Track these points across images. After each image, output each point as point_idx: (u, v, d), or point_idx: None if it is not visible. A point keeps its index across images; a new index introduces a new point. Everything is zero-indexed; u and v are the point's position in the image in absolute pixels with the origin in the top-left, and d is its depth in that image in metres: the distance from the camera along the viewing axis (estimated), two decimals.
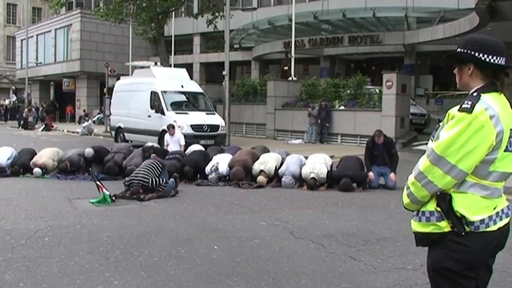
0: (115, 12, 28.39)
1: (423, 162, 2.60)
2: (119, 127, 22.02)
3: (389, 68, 33.23)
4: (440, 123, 2.70)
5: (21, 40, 50.63)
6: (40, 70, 48.06)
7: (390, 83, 20.14)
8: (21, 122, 37.81)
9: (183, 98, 20.49)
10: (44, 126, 35.21)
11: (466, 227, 2.54)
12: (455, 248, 2.57)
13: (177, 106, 19.60)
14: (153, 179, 9.63)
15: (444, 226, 2.58)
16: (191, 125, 18.27)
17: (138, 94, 20.69)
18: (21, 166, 12.27)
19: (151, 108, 19.69)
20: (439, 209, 2.59)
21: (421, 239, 2.71)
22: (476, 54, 2.62)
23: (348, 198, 10.01)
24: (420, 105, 28.20)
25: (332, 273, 5.31)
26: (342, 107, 22.54)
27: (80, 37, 43.13)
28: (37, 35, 48.91)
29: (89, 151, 12.10)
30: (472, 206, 2.55)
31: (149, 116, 19.71)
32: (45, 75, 48.12)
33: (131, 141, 19.93)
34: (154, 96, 19.72)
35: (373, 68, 39.06)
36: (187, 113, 19.19)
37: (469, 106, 2.50)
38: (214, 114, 20.13)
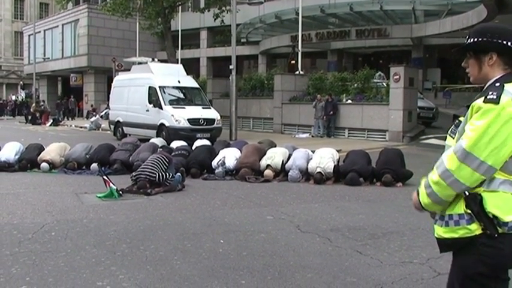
0: (121, 7, 28.42)
1: (449, 160, 2.44)
2: (118, 121, 22.74)
3: (396, 61, 33.10)
4: (459, 119, 2.57)
5: (29, 35, 50.79)
6: (47, 65, 48.21)
7: (398, 77, 20.05)
8: (29, 117, 37.99)
9: (180, 92, 21.04)
10: (52, 121, 35.32)
11: (498, 228, 2.40)
12: (488, 253, 2.42)
13: (174, 101, 20.26)
14: (160, 174, 9.64)
15: (475, 229, 2.43)
16: (188, 119, 18.85)
17: (137, 89, 21.34)
18: (28, 161, 12.31)
19: (149, 102, 20.24)
20: (469, 211, 2.44)
21: (449, 245, 2.55)
22: (500, 41, 2.50)
23: (355, 192, 9.98)
24: (428, 98, 28.11)
25: (338, 267, 5.30)
26: (349, 101, 22.46)
27: (87, 32, 43.21)
28: (44, 31, 49.04)
29: (94, 168, 12.05)
30: (505, 205, 2.41)
31: (147, 111, 20.29)
32: (53, 71, 48.28)
33: (129, 135, 20.64)
34: (152, 91, 20.29)
35: (381, 62, 38.99)
36: (184, 108, 19.72)
37: (495, 97, 2.37)
38: (210, 108, 20.65)
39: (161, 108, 19.53)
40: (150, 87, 20.35)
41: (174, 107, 19.53)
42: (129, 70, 25.89)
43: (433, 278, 4.98)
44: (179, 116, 18.84)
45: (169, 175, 9.80)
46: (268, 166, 11.38)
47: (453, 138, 2.56)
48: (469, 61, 2.65)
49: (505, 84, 2.43)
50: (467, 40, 2.62)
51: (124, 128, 22.25)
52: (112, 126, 23.63)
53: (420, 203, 2.62)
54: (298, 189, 10.22)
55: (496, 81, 2.49)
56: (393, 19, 34.92)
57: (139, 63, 24.52)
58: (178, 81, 20.85)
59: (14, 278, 4.89)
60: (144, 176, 9.62)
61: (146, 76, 20.97)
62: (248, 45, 43.36)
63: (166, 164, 10.04)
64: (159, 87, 20.02)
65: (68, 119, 39.32)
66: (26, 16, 64.24)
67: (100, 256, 5.58)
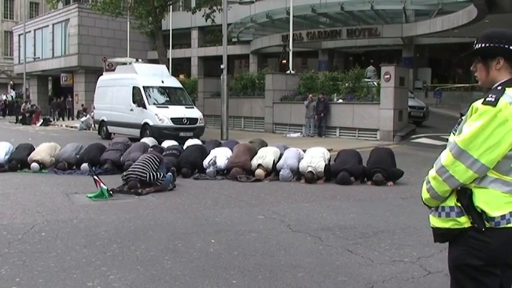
0: (112, 6, 28.32)
1: (445, 156, 2.56)
2: (102, 120, 23.33)
3: (387, 61, 33.17)
4: (463, 117, 2.64)
5: (19, 35, 50.47)
6: (38, 65, 47.89)
7: (388, 76, 20.09)
8: (19, 117, 37.77)
9: (163, 92, 21.72)
10: (42, 121, 35.14)
11: (486, 222, 2.50)
12: (476, 245, 2.53)
13: (157, 100, 20.93)
14: (151, 174, 9.61)
15: (464, 222, 2.54)
16: (171, 118, 19.46)
17: (121, 89, 21.95)
18: (18, 161, 12.23)
19: (134, 102, 20.89)
20: (459, 204, 2.55)
21: (441, 234, 2.66)
22: (507, 46, 2.58)
23: (346, 191, 10.00)
24: (419, 98, 28.18)
25: (329, 266, 5.31)
26: (340, 100, 22.48)
27: (78, 32, 42.97)
28: (35, 30, 48.72)
29: (84, 167, 11.98)
30: (493, 202, 2.51)
31: (131, 110, 20.97)
32: (43, 70, 47.95)
33: (114, 134, 21.68)
34: (136, 91, 20.92)
35: (372, 61, 39.03)
36: (167, 107, 20.36)
37: (493, 99, 2.46)
38: (193, 108, 21.43)
39: (145, 107, 20.15)
40: (134, 87, 20.99)
41: (157, 107, 20.18)
42: None
43: (423, 277, 4.99)
44: (163, 115, 19.45)
45: (160, 175, 9.78)
46: (259, 165, 11.37)
47: (455, 135, 2.64)
48: (477, 65, 2.73)
49: (507, 88, 2.52)
50: (475, 45, 2.70)
51: (108, 127, 22.89)
52: (97, 126, 24.24)
53: (422, 198, 2.73)
54: (289, 189, 10.23)
55: (499, 84, 2.58)
56: (384, 19, 34.99)
57: (124, 63, 24.87)
58: (162, 82, 21.54)
59: (4, 279, 4.86)
60: (134, 176, 9.59)
61: (130, 76, 21.54)
62: (239, 45, 43.32)
63: (157, 164, 10.02)
64: (143, 87, 20.66)
65: (69, 119, 39.05)
66: (16, 15, 63.78)
67: (90, 256, 5.56)
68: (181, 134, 18.55)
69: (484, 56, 2.67)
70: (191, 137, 16.90)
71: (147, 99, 20.31)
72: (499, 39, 2.60)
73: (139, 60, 25.96)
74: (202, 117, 20.75)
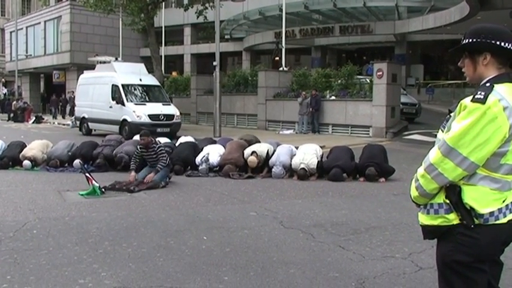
0: (104, 3, 28.22)
1: (434, 154, 2.54)
2: (83, 117, 24.00)
3: (380, 57, 33.31)
4: (451, 114, 2.64)
5: (11, 32, 50.22)
6: (30, 62, 47.71)
7: (381, 73, 20.12)
8: (11, 115, 37.59)
9: (141, 90, 22.44)
10: (34, 118, 35.01)
11: (475, 219, 2.50)
12: (465, 241, 2.53)
13: (136, 98, 21.74)
14: (162, 148, 10.24)
15: (453, 219, 2.54)
16: (149, 115, 20.29)
17: (101, 87, 22.67)
18: (10, 159, 12.20)
19: (113, 99, 21.64)
20: (447, 201, 2.55)
21: (430, 232, 2.65)
22: (493, 42, 2.56)
23: (338, 188, 10.02)
24: (411, 94, 28.24)
25: (321, 263, 5.32)
26: (333, 97, 22.50)
27: (70, 29, 42.82)
28: (26, 27, 48.50)
29: (76, 164, 11.95)
30: (482, 199, 2.51)
31: (111, 107, 21.69)
32: (35, 68, 47.77)
33: (94, 130, 22.97)
34: (115, 88, 21.69)
35: (364, 58, 39.14)
36: (145, 104, 21.19)
37: (482, 97, 2.44)
38: (170, 105, 22.26)
39: (123, 104, 20.88)
40: (113, 85, 21.71)
41: (135, 104, 20.93)
42: None
43: (414, 273, 5.02)
44: (140, 112, 20.27)
45: (165, 158, 10.19)
46: (253, 153, 11.37)
47: (443, 132, 2.63)
48: (465, 61, 2.71)
49: (495, 85, 2.50)
50: (463, 41, 2.68)
51: (89, 123, 23.60)
52: (78, 122, 25.13)
53: (410, 195, 2.72)
54: (282, 186, 10.24)
55: (487, 81, 2.56)
56: (376, 15, 35.05)
57: (103, 62, 25.37)
58: (140, 80, 22.25)
59: None
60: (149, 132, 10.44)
61: (110, 74, 22.31)
62: (232, 42, 43.29)
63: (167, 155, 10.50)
64: (122, 85, 21.37)
65: (71, 116, 38.65)
66: (7, 13, 63.43)
67: (82, 254, 5.55)
68: (158, 129, 19.22)
69: (471, 52, 2.65)
70: (168, 133, 17.84)
71: (125, 96, 21.04)
72: (486, 35, 2.58)
73: (119, 59, 26.77)
74: (178, 113, 21.55)
